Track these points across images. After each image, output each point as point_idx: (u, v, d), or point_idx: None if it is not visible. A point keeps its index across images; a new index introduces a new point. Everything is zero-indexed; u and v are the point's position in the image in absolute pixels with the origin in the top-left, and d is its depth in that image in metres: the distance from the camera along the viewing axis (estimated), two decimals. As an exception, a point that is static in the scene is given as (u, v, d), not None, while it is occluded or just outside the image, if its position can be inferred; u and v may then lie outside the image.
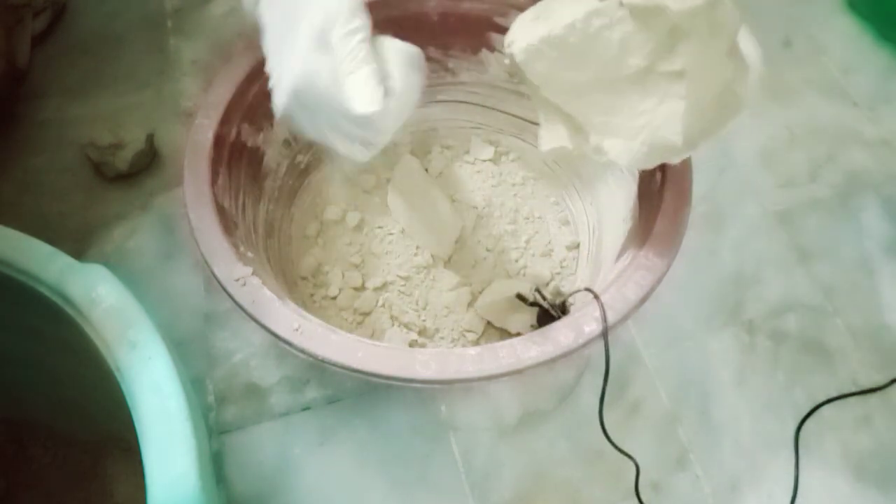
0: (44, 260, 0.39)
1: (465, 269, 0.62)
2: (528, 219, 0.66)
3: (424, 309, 0.60)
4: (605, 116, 0.43)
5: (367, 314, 0.60)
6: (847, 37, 0.86)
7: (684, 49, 0.39)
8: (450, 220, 0.62)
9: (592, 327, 0.44)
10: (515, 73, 0.45)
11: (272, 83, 0.42)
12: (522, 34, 0.43)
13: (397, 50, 0.42)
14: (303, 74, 0.39)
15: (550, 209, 0.67)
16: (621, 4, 0.39)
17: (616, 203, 0.60)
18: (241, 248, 0.49)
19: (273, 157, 0.60)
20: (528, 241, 0.65)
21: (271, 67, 0.43)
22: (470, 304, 0.60)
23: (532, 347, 0.44)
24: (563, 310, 0.57)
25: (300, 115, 0.41)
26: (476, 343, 0.59)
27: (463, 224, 0.63)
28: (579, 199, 0.66)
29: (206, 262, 0.47)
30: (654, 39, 0.39)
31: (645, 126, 0.42)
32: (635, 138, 0.42)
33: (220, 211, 0.50)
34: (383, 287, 0.61)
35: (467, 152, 0.69)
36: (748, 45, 0.41)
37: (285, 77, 0.41)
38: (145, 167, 0.71)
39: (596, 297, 0.46)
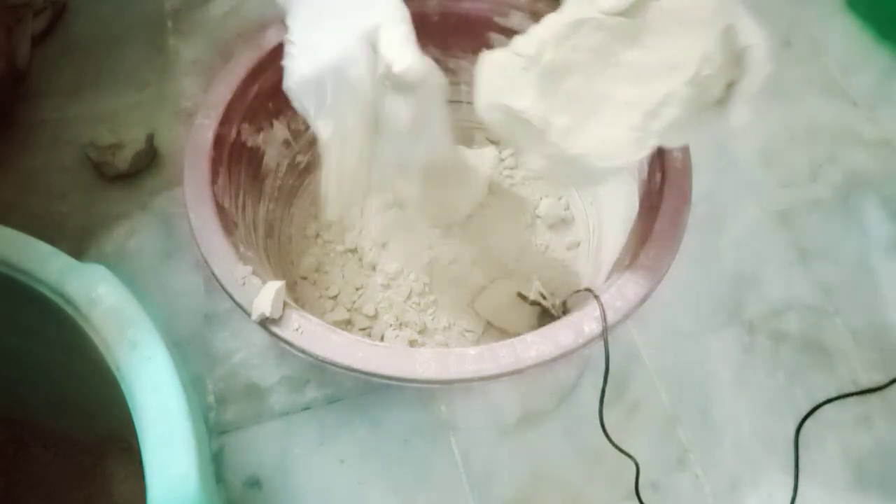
0: (44, 260, 0.39)
1: (465, 268, 0.62)
2: (528, 218, 0.66)
3: (425, 308, 0.60)
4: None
5: (366, 314, 0.60)
6: (847, 37, 0.86)
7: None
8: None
9: (592, 327, 0.44)
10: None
11: (294, 55, 0.43)
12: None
13: None
14: (343, 56, 0.41)
15: (551, 209, 0.67)
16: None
17: (616, 203, 0.60)
18: (241, 248, 0.49)
19: (273, 157, 0.60)
20: (528, 241, 0.65)
21: (297, 42, 0.44)
22: (470, 304, 0.60)
23: (532, 347, 0.44)
24: (563, 310, 0.57)
25: (316, 90, 0.43)
26: (476, 343, 0.59)
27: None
28: (579, 199, 0.66)
29: (206, 262, 0.47)
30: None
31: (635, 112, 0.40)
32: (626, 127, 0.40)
33: (220, 211, 0.50)
34: (384, 286, 0.61)
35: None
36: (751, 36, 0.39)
37: (322, 53, 0.42)
38: (145, 167, 0.71)
39: (596, 297, 0.46)
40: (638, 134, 0.40)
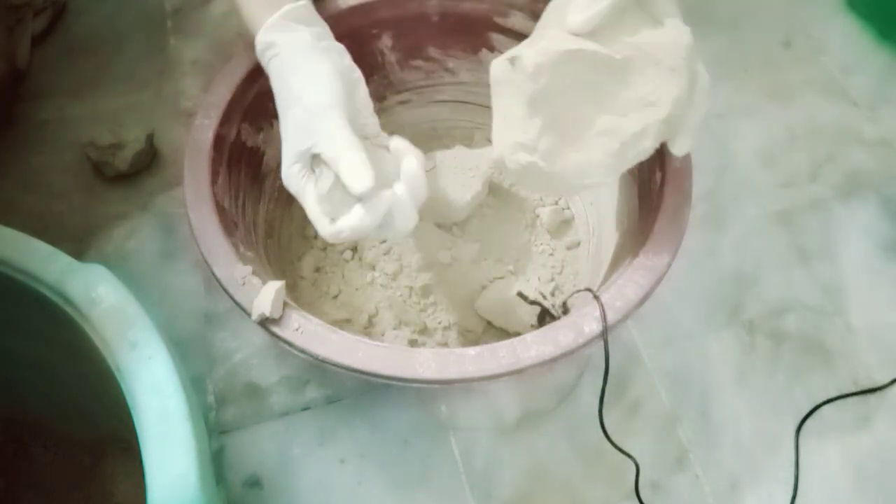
0: (44, 260, 0.39)
1: (465, 268, 0.62)
2: (528, 218, 0.66)
3: (425, 308, 0.60)
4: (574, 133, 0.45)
5: (366, 314, 0.60)
6: (847, 37, 0.86)
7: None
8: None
9: (592, 327, 0.44)
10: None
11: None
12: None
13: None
14: (285, 178, 0.45)
15: (553, 215, 0.67)
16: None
17: (616, 203, 0.60)
18: (241, 248, 0.49)
19: (273, 157, 0.60)
20: (528, 241, 0.65)
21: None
22: (470, 304, 0.60)
23: (532, 347, 0.44)
24: (563, 309, 0.57)
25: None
26: (476, 343, 0.59)
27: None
28: (579, 199, 0.66)
29: (206, 262, 0.47)
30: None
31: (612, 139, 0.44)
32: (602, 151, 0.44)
33: (220, 211, 0.50)
34: (384, 286, 0.61)
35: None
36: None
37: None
38: (145, 167, 0.71)
39: (596, 297, 0.46)
40: (613, 160, 0.44)
